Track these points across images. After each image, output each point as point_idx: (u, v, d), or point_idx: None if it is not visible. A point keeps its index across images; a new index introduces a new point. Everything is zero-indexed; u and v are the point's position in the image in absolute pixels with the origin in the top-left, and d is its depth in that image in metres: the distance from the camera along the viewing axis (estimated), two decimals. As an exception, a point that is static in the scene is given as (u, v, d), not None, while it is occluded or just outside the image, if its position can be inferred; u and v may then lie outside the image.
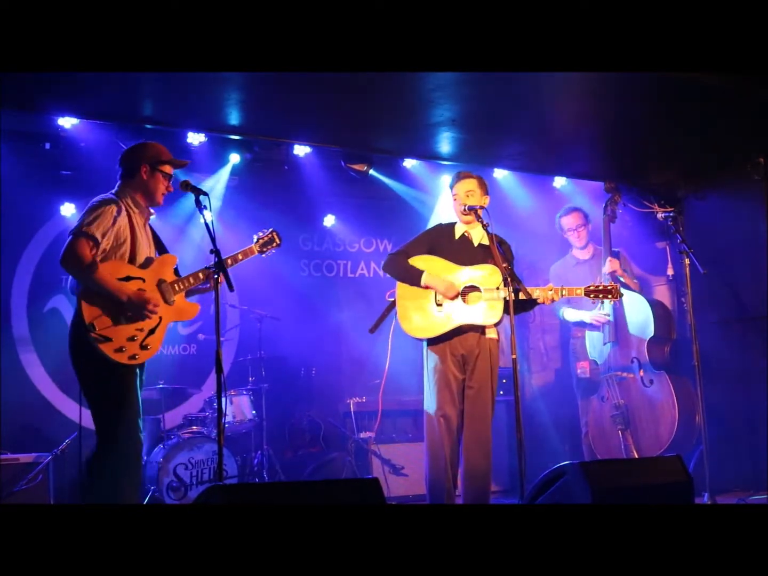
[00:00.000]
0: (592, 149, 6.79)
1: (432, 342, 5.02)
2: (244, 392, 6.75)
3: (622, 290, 6.08)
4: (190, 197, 4.13)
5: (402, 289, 5.09)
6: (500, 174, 7.38)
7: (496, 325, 4.99)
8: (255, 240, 4.66)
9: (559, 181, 7.67)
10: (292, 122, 6.12)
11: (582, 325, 6.38)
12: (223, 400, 3.89)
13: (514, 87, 5.30)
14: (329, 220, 8.15)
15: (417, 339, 5.07)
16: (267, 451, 6.73)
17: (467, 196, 5.04)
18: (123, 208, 4.15)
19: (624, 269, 6.36)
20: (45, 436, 6.34)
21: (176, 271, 4.36)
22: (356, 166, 6.93)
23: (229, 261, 4.41)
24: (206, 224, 4.01)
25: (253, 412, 6.69)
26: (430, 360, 5.03)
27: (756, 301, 6.73)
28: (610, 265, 6.21)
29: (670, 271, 6.99)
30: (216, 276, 3.97)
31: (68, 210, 6.84)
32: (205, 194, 4.11)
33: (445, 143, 6.56)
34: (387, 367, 5.29)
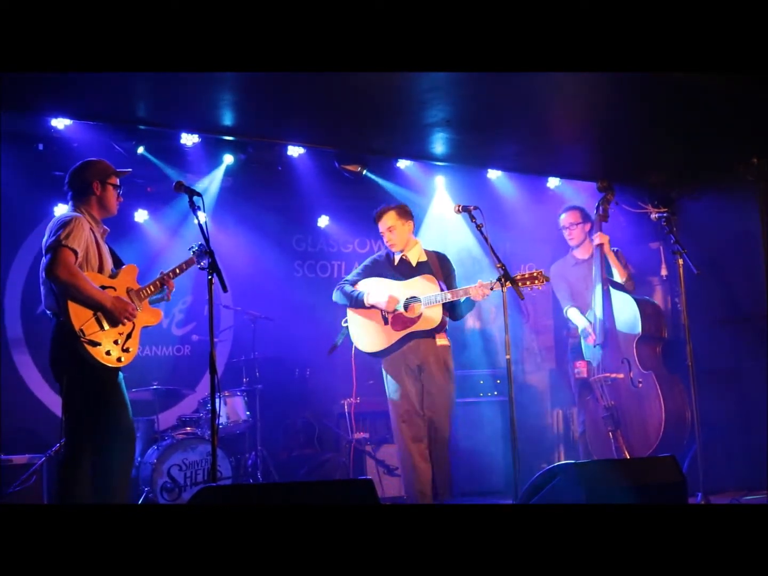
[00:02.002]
0: (586, 150, 6.79)
1: (387, 357, 5.41)
2: (238, 393, 6.74)
3: (612, 290, 6.11)
4: (184, 198, 4.16)
5: (352, 312, 5.56)
6: (494, 174, 7.39)
7: (439, 330, 5.33)
8: (192, 252, 4.68)
9: (553, 182, 7.67)
10: (285, 123, 6.12)
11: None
12: (217, 401, 3.90)
13: (508, 87, 5.30)
14: (323, 221, 8.15)
15: (372, 354, 5.48)
16: (261, 452, 6.73)
17: (390, 231, 5.48)
18: (87, 222, 4.32)
19: (619, 261, 6.34)
20: (38, 437, 6.33)
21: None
22: (350, 167, 6.93)
23: (177, 270, 4.64)
24: (200, 225, 4.06)
25: (247, 413, 6.68)
26: (388, 375, 5.42)
27: (750, 301, 6.74)
28: (599, 237, 6.22)
29: (663, 272, 7.00)
30: (210, 277, 3.99)
31: (61, 211, 6.78)
32: (199, 195, 4.15)
33: (439, 144, 6.56)
34: (354, 389, 5.82)
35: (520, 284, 4.97)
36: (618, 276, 6.25)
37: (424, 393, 5.33)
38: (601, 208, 6.36)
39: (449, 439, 5.33)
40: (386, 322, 5.40)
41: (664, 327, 6.26)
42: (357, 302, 5.45)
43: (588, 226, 6.44)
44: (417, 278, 5.39)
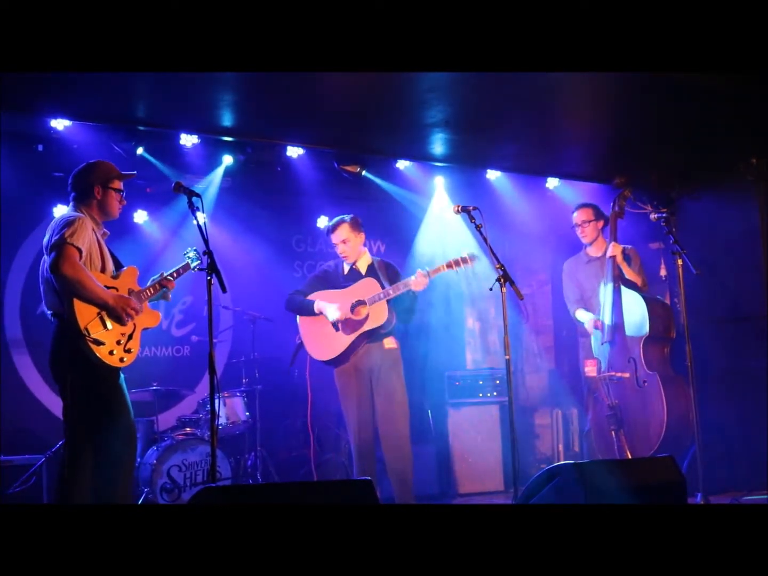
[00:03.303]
0: (585, 150, 6.80)
1: (339, 365, 5.60)
2: (238, 394, 6.73)
3: (623, 288, 6.08)
4: (183, 199, 4.16)
5: (304, 324, 5.74)
6: (493, 175, 7.38)
7: (387, 333, 5.52)
8: (186, 257, 4.78)
9: (553, 182, 7.67)
10: (284, 123, 6.12)
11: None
12: (217, 401, 3.90)
13: (507, 88, 5.30)
14: (322, 222, 8.14)
15: (326, 363, 5.65)
16: (261, 452, 6.72)
17: (344, 243, 5.69)
18: (90, 222, 4.33)
19: (627, 255, 6.27)
20: (38, 437, 6.32)
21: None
22: (349, 168, 6.93)
23: (175, 274, 4.68)
24: (199, 225, 4.04)
25: (247, 413, 6.67)
26: (341, 383, 5.63)
27: (749, 301, 6.74)
28: (612, 248, 6.16)
29: (663, 272, 6.98)
30: (209, 278, 3.99)
31: (61, 212, 6.76)
32: (198, 196, 4.14)
33: (438, 144, 6.57)
34: (310, 402, 5.92)
35: (454, 267, 5.28)
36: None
37: (376, 399, 5.50)
38: (617, 205, 6.23)
39: (407, 440, 5.51)
40: (337, 329, 5.54)
41: (672, 327, 6.18)
42: (307, 309, 5.64)
43: (601, 224, 6.34)
44: (359, 282, 5.59)
